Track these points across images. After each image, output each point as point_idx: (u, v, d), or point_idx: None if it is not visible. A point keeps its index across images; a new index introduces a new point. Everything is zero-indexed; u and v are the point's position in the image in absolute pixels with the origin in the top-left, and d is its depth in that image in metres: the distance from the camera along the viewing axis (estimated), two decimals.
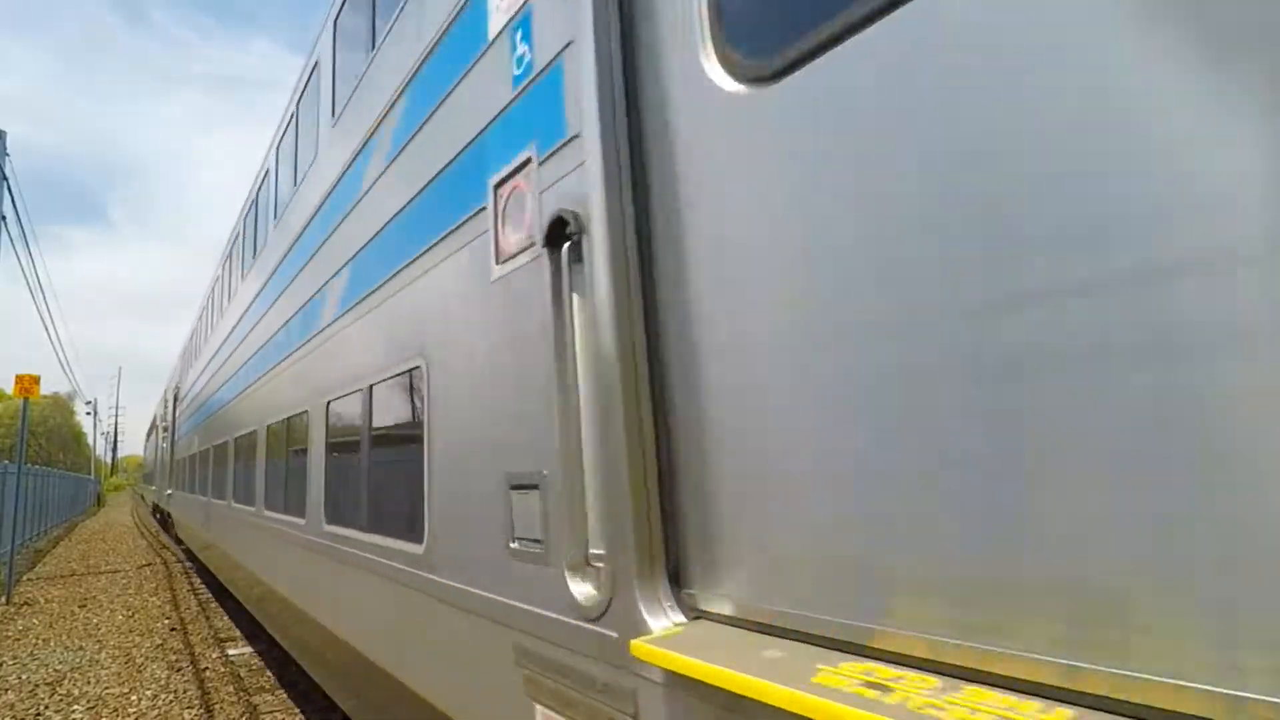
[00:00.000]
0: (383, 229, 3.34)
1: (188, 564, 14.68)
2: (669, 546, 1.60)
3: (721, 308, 1.51)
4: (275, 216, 6.18)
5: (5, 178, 15.03)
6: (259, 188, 7.17)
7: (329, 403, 4.13)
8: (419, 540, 2.69)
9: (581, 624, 1.73)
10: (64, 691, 6.15)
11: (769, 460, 1.39)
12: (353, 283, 3.80)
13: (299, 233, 5.17)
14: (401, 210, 3.10)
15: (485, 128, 2.34)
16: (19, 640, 8.12)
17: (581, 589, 1.75)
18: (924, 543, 1.13)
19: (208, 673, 6.64)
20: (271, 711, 5.54)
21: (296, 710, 5.56)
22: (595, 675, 1.68)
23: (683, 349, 1.59)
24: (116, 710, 5.64)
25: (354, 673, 3.58)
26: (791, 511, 1.35)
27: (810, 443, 1.31)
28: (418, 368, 2.84)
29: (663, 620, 1.52)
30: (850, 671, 1.14)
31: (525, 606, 1.97)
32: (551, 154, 1.95)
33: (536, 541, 1.97)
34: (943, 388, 1.10)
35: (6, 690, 6.24)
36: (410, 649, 2.84)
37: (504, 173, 2.19)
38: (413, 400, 2.95)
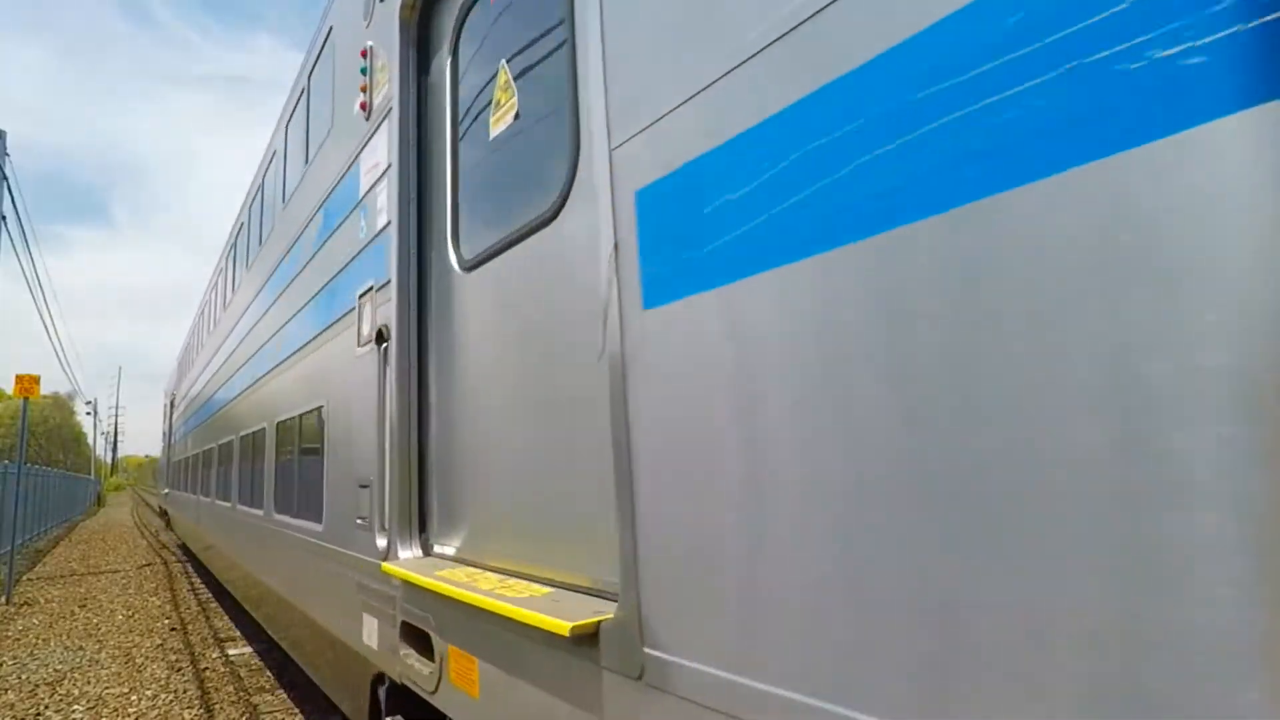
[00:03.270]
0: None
1: (187, 564, 14.67)
2: (422, 518, 2.74)
3: (448, 386, 2.67)
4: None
5: (5, 178, 15.02)
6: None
7: None
8: (320, 521, 3.92)
9: (376, 561, 2.82)
10: (64, 691, 6.14)
11: (461, 473, 2.55)
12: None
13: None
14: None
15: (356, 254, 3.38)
16: (19, 640, 8.11)
17: (380, 542, 2.83)
18: (514, 522, 2.20)
19: (208, 673, 6.63)
20: (271, 711, 5.54)
21: (296, 710, 5.56)
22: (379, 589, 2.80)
23: (437, 411, 2.73)
24: (116, 710, 5.63)
25: None
26: (465, 504, 2.52)
27: (482, 466, 2.41)
28: (321, 407, 3.99)
29: (408, 554, 2.68)
30: (460, 574, 2.20)
31: (361, 556, 3.09)
32: (380, 287, 3.00)
33: (366, 518, 3.06)
34: (540, 449, 2.05)
35: (6, 690, 6.23)
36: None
37: (362, 289, 3.28)
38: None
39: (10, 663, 7.12)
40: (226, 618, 9.17)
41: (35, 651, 7.56)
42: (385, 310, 2.89)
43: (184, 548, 15.89)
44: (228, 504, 7.88)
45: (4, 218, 15.04)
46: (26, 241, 21.91)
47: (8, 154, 15.15)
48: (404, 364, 2.77)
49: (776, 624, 1.15)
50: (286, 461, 5.04)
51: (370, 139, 3.24)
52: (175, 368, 17.84)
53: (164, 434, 19.30)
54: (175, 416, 16.30)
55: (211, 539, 9.76)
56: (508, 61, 2.36)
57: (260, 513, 5.79)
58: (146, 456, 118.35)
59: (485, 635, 1.99)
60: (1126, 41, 0.77)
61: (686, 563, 1.33)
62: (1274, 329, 0.66)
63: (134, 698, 5.92)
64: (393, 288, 2.82)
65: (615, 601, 1.53)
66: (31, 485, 16.72)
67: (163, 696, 5.93)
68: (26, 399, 10.84)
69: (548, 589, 1.88)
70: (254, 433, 6.31)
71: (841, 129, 1.09)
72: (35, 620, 9.20)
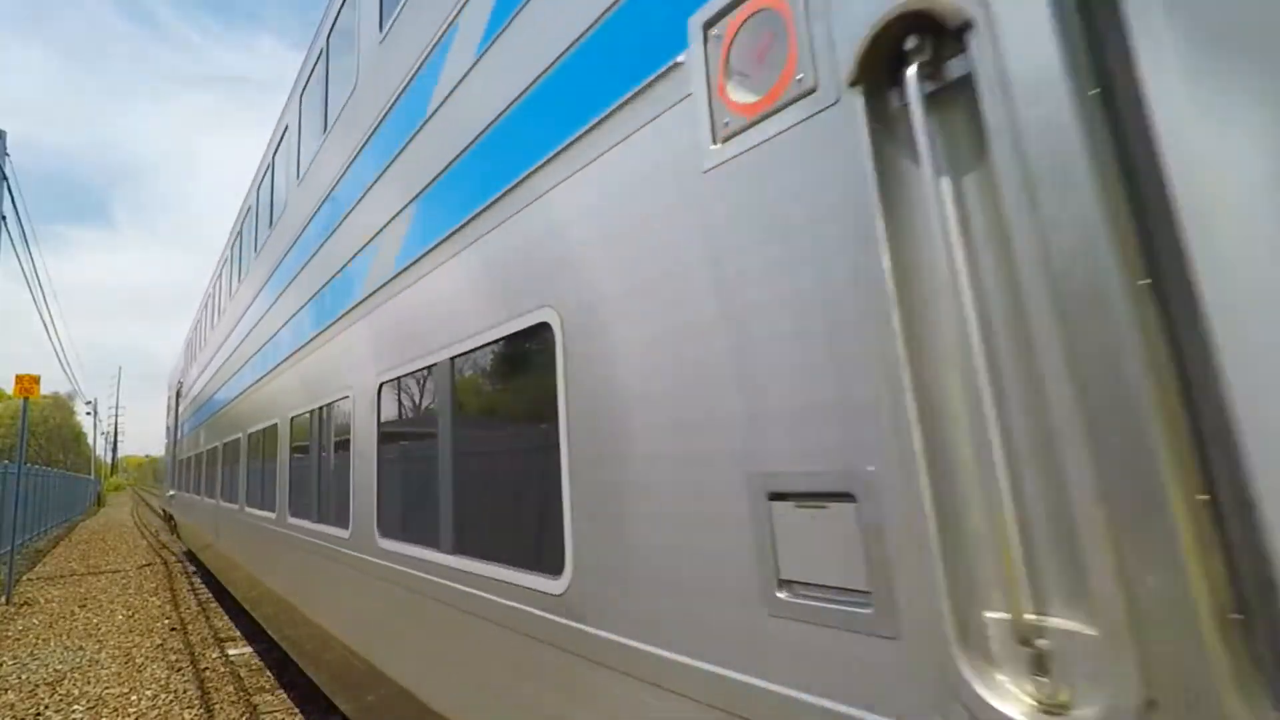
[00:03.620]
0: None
1: (187, 564, 14.67)
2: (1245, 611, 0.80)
3: None
4: None
5: (5, 178, 15.03)
6: None
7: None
8: (557, 573, 1.82)
9: None
10: (64, 691, 6.14)
11: None
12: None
13: None
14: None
15: None
16: (19, 640, 8.12)
17: (1016, 690, 0.94)
18: None
19: (208, 673, 6.63)
20: (271, 711, 5.54)
21: (296, 710, 5.56)
22: None
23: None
24: (116, 710, 5.64)
25: None
26: None
27: None
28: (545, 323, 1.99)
29: None
30: None
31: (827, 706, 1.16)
32: None
33: (848, 592, 1.19)
34: None
35: (7, 690, 6.24)
36: None
37: None
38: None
39: (10, 663, 7.13)
40: (226, 618, 9.17)
41: (35, 651, 7.56)
42: None
43: (188, 553, 15.60)
44: (268, 514, 5.83)
45: (4, 218, 15.04)
46: (26, 241, 21.95)
47: (8, 154, 15.15)
48: (1081, 107, 0.90)
49: None
50: (401, 450, 3.05)
51: None
52: (183, 351, 15.61)
53: (169, 429, 16.08)
54: (183, 407, 13.77)
55: (241, 563, 7.41)
56: None
57: (343, 534, 3.67)
58: (147, 456, 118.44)
59: None
60: None
61: None
62: None
63: (134, 698, 5.92)
64: None
65: None
66: (31, 485, 16.72)
67: (163, 696, 5.93)
68: (26, 399, 10.84)
69: None
70: (319, 410, 4.27)
71: None
72: (35, 620, 9.20)
